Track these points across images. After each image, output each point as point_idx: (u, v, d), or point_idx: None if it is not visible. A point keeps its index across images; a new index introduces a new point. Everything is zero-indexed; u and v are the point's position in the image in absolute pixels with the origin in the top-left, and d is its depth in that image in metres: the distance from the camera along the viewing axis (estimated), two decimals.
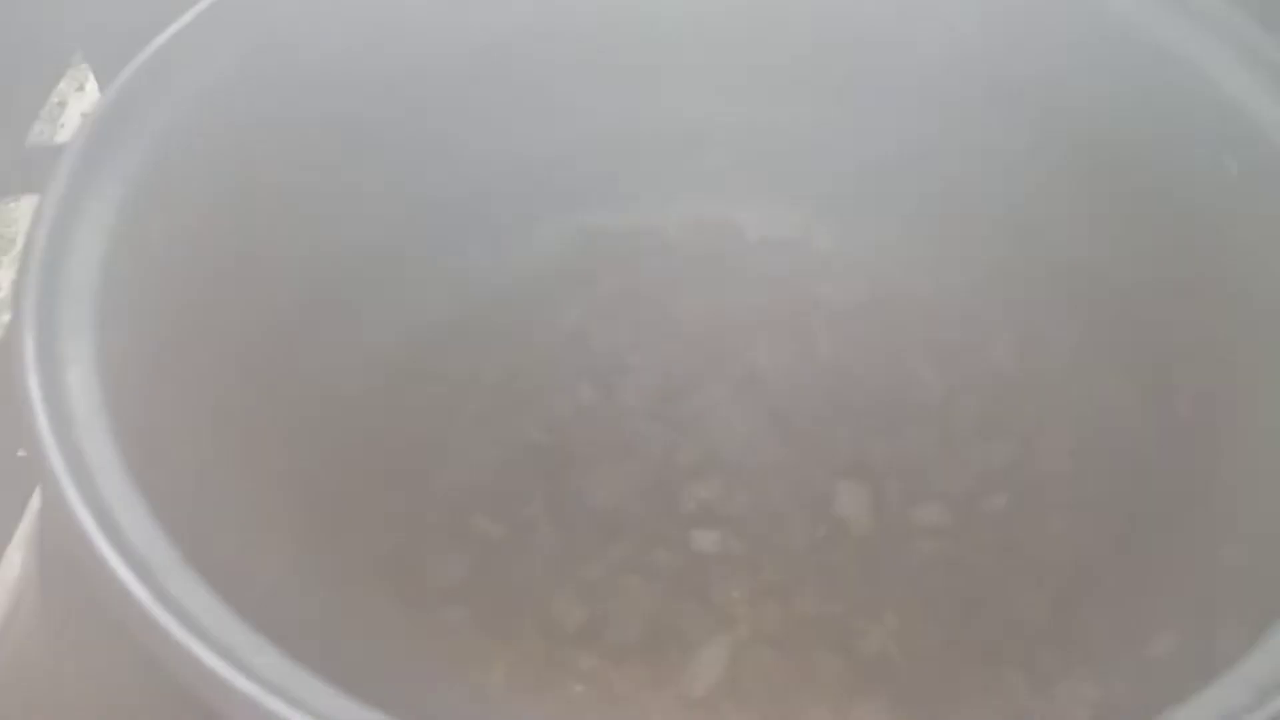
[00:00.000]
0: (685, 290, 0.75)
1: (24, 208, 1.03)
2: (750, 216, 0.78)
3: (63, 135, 1.16)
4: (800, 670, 0.58)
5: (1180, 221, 0.58)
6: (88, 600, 0.39)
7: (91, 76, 1.13)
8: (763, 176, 0.77)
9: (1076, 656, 0.59)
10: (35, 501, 0.76)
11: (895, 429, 0.67)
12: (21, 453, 0.79)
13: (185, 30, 0.52)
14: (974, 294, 0.73)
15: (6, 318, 0.82)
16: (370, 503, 0.65)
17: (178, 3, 0.78)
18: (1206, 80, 0.52)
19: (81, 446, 0.40)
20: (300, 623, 0.59)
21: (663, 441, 0.67)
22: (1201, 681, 0.41)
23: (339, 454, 0.65)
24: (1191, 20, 0.53)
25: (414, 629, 0.61)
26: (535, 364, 0.72)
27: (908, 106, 0.69)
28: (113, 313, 0.45)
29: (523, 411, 0.69)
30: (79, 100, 1.21)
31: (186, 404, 0.52)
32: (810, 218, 0.78)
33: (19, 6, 0.96)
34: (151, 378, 0.47)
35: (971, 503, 0.65)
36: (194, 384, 0.53)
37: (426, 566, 0.63)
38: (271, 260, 0.60)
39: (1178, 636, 0.57)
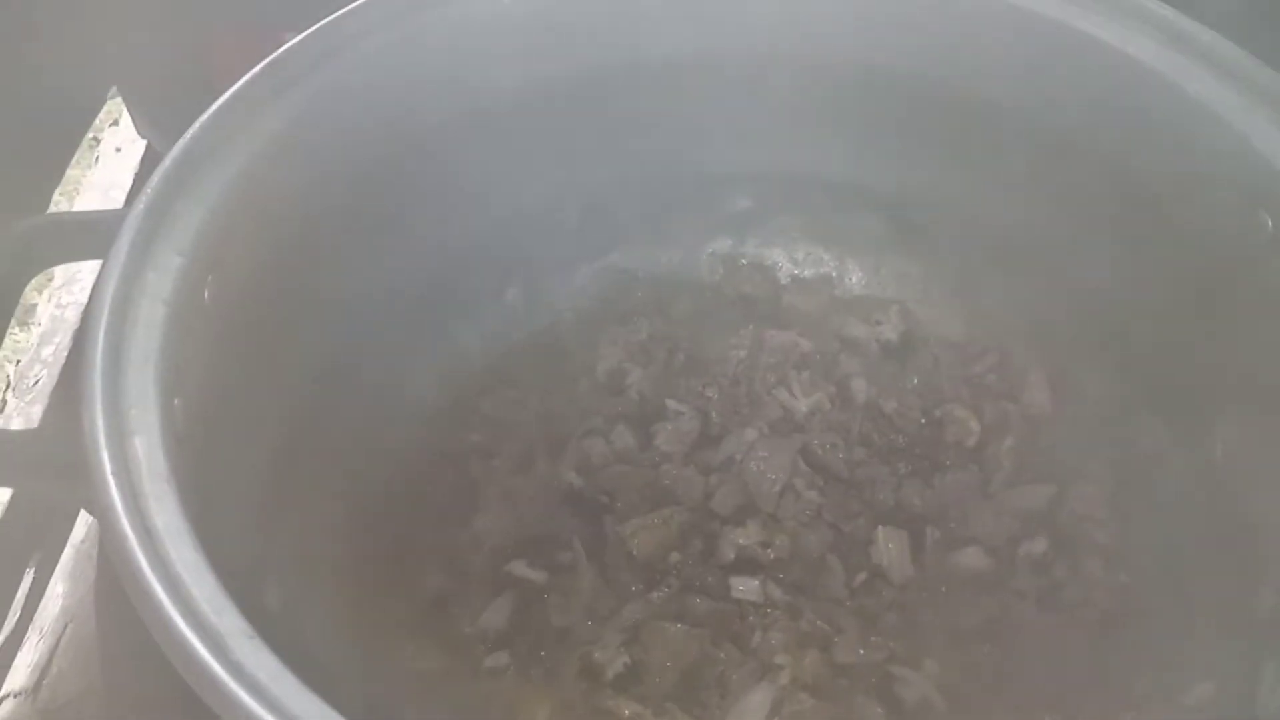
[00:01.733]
0: (720, 332, 0.75)
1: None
2: (782, 258, 0.80)
3: (98, 169, 1.18)
4: (842, 718, 0.59)
5: (1215, 271, 0.58)
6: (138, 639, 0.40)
7: (126, 111, 1.15)
8: (793, 219, 0.78)
9: (1115, 703, 0.60)
10: (76, 534, 0.78)
11: (932, 472, 0.68)
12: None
13: (229, 103, 0.54)
14: (1006, 336, 0.74)
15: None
16: (413, 551, 0.66)
17: (211, 41, 0.80)
18: (1241, 138, 0.53)
19: (151, 518, 0.41)
20: (349, 674, 0.60)
21: (700, 487, 0.68)
22: None
23: (383, 504, 0.66)
24: (1226, 79, 0.54)
25: (457, 677, 0.62)
26: (572, 408, 0.73)
27: (938, 150, 0.70)
28: (173, 380, 0.46)
29: (560, 456, 0.70)
30: (114, 135, 1.23)
31: (244, 465, 0.53)
32: (842, 258, 0.79)
33: (55, 43, 0.98)
34: (211, 442, 0.48)
35: (1010, 547, 0.65)
36: (249, 444, 0.54)
37: (468, 614, 0.64)
38: (317, 316, 0.61)
39: (1216, 684, 0.57)
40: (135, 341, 0.46)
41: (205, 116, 0.53)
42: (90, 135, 1.27)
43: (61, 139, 1.07)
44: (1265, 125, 0.52)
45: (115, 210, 0.52)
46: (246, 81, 0.55)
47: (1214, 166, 0.55)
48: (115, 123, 1.26)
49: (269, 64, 0.56)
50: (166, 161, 0.51)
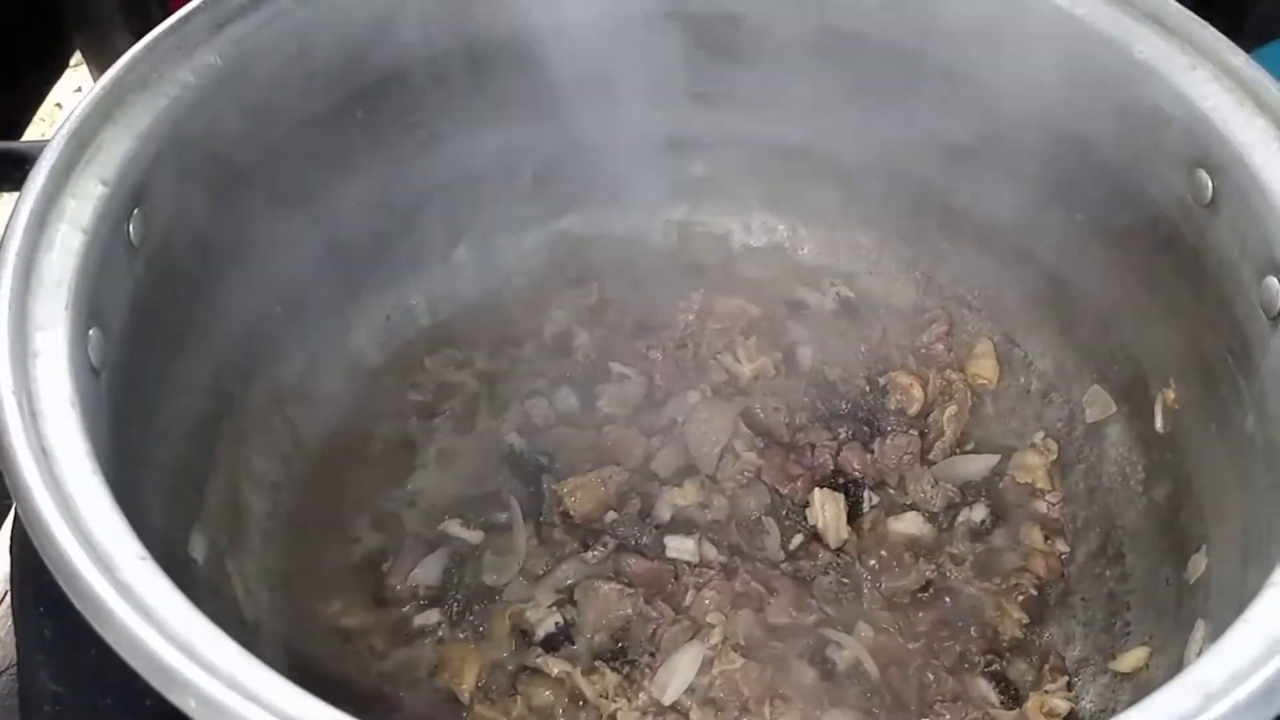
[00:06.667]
0: (669, 297, 0.75)
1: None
2: (736, 226, 0.79)
3: None
4: (772, 679, 0.58)
5: (1159, 237, 0.58)
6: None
7: (90, 79, 1.14)
8: (749, 186, 0.78)
9: (1048, 669, 0.59)
10: None
11: (873, 438, 0.67)
12: None
13: (164, 34, 0.52)
14: (955, 307, 0.73)
15: None
16: (346, 506, 0.65)
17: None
18: (1184, 98, 0.52)
19: (48, 439, 0.40)
20: (273, 629, 0.59)
21: (642, 448, 0.67)
22: None
23: (319, 458, 0.65)
24: (1170, 38, 0.53)
25: (385, 634, 0.61)
26: (518, 369, 0.72)
27: (894, 120, 0.69)
28: (89, 309, 0.45)
29: (502, 417, 0.69)
30: (77, 102, 1.22)
31: (171, 407, 0.52)
32: (795, 227, 0.78)
33: (18, 9, 0.96)
34: (128, 375, 0.47)
35: (949, 514, 0.65)
36: (177, 386, 0.53)
37: (399, 571, 0.63)
38: (252, 260, 0.60)
39: (1149, 649, 0.57)
40: (49, 266, 0.45)
41: (138, 46, 0.52)
42: (54, 102, 1.25)
43: (22, 105, 1.06)
44: (1207, 84, 0.52)
45: (41, 140, 0.50)
46: (184, 14, 0.54)
47: (1158, 128, 0.54)
48: (78, 89, 1.25)
49: None
50: (96, 87, 0.50)
